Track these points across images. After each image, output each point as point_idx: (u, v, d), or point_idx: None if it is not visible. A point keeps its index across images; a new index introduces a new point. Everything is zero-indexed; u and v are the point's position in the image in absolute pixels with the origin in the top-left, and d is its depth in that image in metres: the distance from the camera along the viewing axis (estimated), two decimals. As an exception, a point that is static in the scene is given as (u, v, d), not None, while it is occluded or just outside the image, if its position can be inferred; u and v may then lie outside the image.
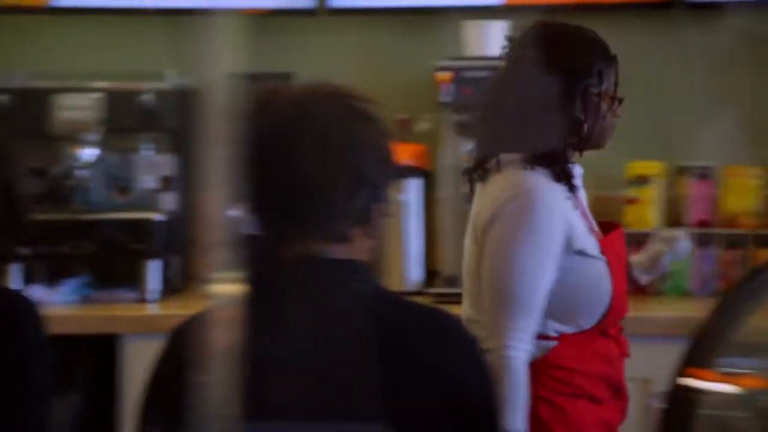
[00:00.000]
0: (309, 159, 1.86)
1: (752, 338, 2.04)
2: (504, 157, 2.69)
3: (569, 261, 2.64)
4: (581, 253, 2.66)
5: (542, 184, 2.65)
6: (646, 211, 4.19)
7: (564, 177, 2.67)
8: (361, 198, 1.88)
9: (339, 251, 1.88)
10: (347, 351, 1.77)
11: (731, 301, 1.99)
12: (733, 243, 4.10)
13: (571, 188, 2.69)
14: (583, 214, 2.74)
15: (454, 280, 4.08)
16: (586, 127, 2.71)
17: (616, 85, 2.77)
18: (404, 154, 4.10)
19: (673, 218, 4.21)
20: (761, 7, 4.20)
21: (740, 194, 4.17)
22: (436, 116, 4.18)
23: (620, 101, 2.78)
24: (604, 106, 2.74)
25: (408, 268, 4.17)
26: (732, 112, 4.25)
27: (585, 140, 2.73)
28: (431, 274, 4.19)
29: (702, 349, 1.96)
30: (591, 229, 2.73)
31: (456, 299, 3.96)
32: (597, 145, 2.77)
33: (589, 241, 2.69)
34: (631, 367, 3.70)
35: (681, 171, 4.22)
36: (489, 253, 2.65)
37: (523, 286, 2.59)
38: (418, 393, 1.82)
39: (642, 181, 4.19)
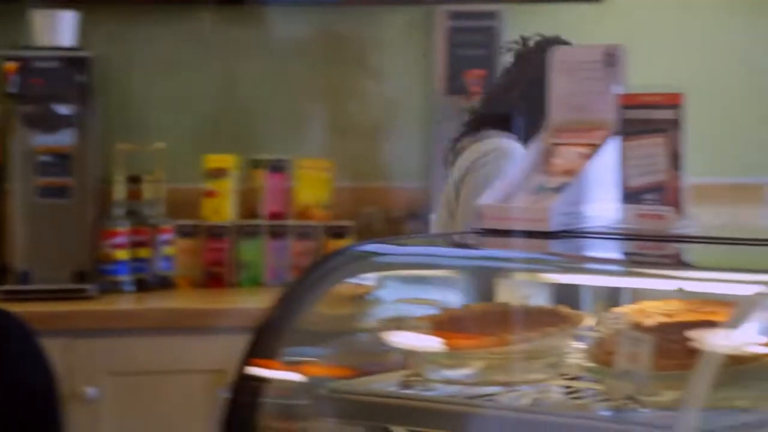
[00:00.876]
0: None
1: (315, 327, 2.09)
2: (488, 132, 2.86)
3: None
4: None
5: (518, 146, 2.85)
6: (223, 204, 4.23)
7: None
8: None
9: None
10: None
11: (295, 291, 2.04)
12: (305, 234, 4.21)
13: None
14: None
15: (26, 276, 3.98)
16: None
17: None
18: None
19: (249, 211, 4.27)
20: (336, 5, 4.32)
21: (312, 187, 4.28)
22: (3, 107, 4.05)
23: None
24: None
25: (-25, 265, 4.02)
26: (304, 105, 4.36)
27: None
28: (1, 270, 4.06)
29: (267, 338, 2.00)
30: None
31: (28, 296, 3.87)
32: None
33: None
34: (205, 359, 3.74)
35: (255, 164, 4.28)
36: (464, 199, 2.81)
37: None
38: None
39: (218, 173, 4.23)
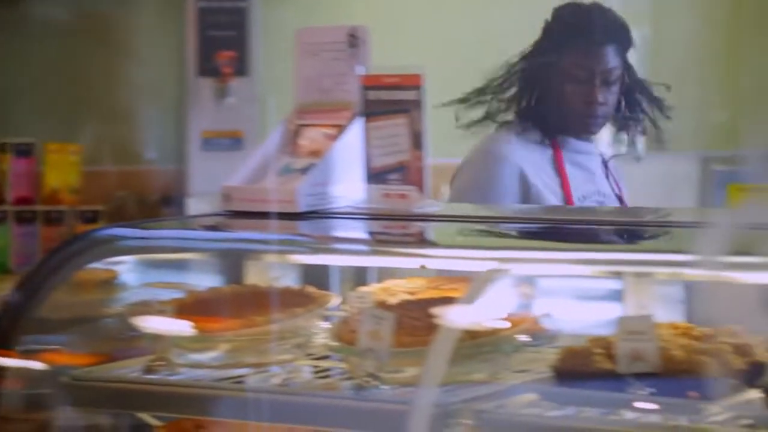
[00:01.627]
0: None
1: (58, 313, 2.04)
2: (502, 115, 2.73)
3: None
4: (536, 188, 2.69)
5: (504, 141, 2.70)
6: (-37, 189, 4.12)
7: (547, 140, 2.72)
8: None
9: None
10: None
11: (34, 277, 1.98)
12: (54, 219, 4.13)
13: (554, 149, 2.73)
14: (561, 174, 2.73)
15: None
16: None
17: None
18: None
19: (-5, 196, 4.17)
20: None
21: (61, 171, 4.20)
22: None
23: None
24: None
25: None
26: (54, 87, 4.27)
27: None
28: None
29: (3, 327, 1.94)
30: (562, 185, 2.73)
31: None
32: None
33: (547, 187, 2.71)
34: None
35: (1, 148, 4.18)
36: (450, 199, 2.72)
37: None
38: None
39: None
